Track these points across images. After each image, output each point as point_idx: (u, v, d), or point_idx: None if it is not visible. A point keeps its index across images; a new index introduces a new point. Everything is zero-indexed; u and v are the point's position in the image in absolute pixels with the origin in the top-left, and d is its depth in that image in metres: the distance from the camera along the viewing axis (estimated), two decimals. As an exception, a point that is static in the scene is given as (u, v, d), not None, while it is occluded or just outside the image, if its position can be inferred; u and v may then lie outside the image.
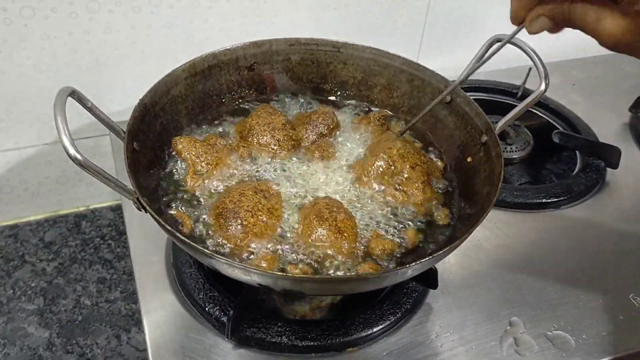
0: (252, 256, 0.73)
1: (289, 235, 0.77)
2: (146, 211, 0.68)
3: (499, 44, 0.77)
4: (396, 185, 0.84)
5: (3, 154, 1.09)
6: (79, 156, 0.61)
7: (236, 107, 0.98)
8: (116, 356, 0.96)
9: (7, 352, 0.95)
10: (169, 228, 0.66)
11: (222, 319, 0.80)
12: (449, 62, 1.19)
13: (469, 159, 0.87)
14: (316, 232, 0.75)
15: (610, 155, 1.12)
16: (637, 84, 1.41)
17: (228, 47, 0.93)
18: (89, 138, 1.13)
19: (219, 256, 0.64)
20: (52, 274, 1.07)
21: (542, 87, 0.78)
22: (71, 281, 1.07)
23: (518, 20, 0.58)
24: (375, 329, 0.81)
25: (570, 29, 0.56)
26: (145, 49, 1.08)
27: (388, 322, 0.82)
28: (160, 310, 0.84)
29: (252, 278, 0.65)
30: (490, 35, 0.84)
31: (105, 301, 1.04)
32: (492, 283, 0.91)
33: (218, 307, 0.81)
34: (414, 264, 0.66)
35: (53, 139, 1.11)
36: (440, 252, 0.67)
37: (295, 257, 0.75)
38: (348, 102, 1.02)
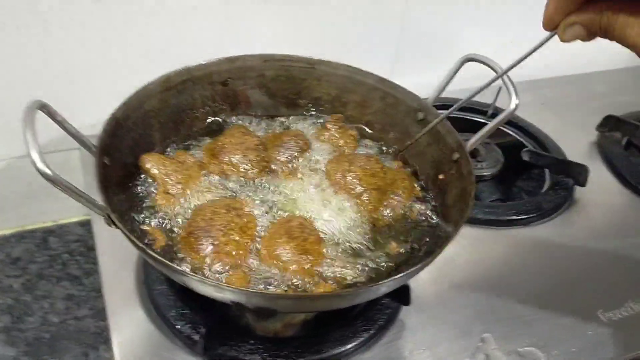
0: (222, 274, 0.73)
1: (259, 253, 0.76)
2: (117, 227, 0.67)
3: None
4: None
5: (-28, 167, 1.07)
6: (48, 171, 0.60)
7: (209, 122, 0.97)
8: (84, 375, 0.94)
9: (-29, 371, 0.92)
10: (140, 245, 0.65)
11: (194, 337, 0.78)
12: (422, 80, 1.20)
13: (441, 176, 0.88)
14: (281, 250, 0.75)
15: (578, 174, 1.14)
16: (605, 104, 1.44)
17: (202, 62, 0.92)
18: (57, 152, 1.10)
19: (191, 273, 0.64)
20: (19, 291, 1.05)
21: (512, 105, 0.78)
22: (38, 298, 1.04)
23: (551, 25, 0.55)
24: (348, 346, 0.81)
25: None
26: (119, 61, 1.06)
27: (362, 339, 0.82)
28: (129, 328, 0.82)
29: (224, 295, 0.64)
30: (463, 54, 0.86)
31: (74, 318, 1.01)
32: (464, 299, 0.92)
33: (189, 325, 0.80)
34: (387, 280, 0.66)
35: (22, 152, 1.08)
36: (413, 268, 0.67)
37: (266, 276, 0.74)
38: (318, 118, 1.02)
